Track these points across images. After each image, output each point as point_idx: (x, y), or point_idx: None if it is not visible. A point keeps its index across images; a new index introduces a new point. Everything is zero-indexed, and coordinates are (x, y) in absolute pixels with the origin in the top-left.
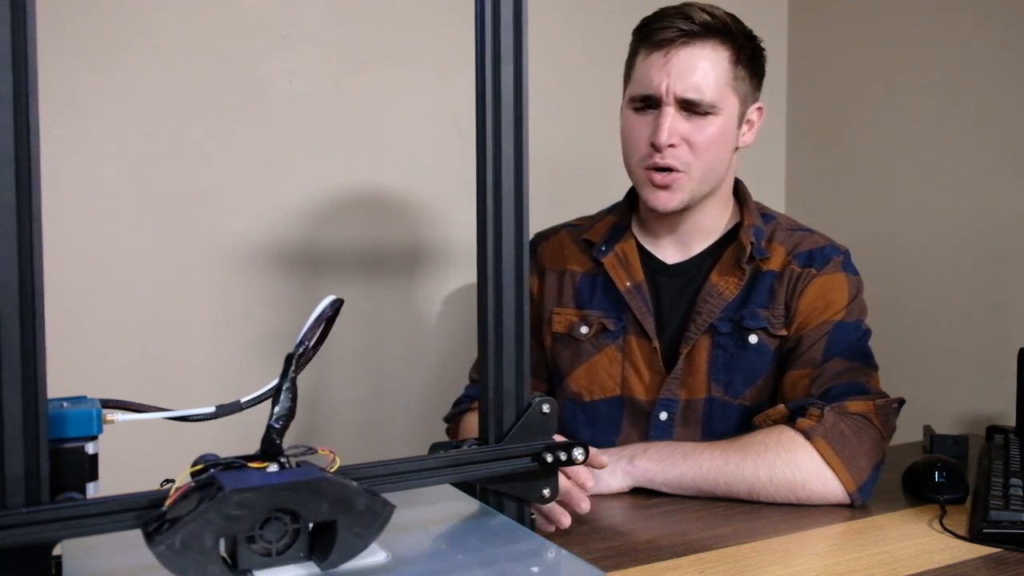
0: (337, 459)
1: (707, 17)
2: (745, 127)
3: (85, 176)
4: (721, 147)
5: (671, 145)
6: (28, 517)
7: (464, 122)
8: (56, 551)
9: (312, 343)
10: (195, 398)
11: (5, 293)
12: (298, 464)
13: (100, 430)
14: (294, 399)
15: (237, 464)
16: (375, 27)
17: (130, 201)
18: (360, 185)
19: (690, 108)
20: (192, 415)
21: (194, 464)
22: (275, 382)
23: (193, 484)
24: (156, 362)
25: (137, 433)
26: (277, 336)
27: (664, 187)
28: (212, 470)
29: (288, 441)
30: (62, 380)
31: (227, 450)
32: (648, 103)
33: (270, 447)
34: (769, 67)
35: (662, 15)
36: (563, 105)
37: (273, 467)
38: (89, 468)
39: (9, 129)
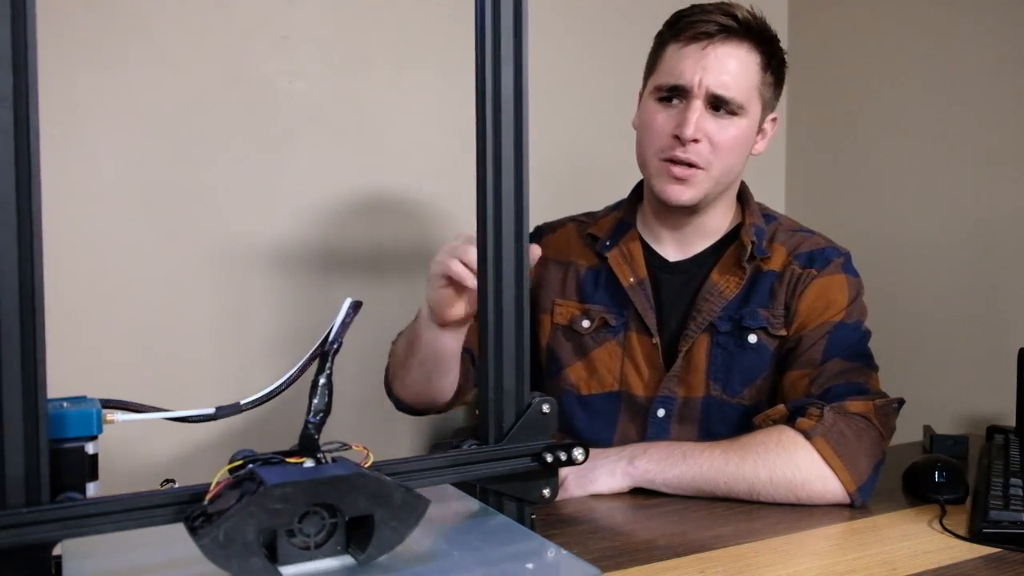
0: (371, 455)
1: (748, 16)
2: (759, 135)
3: (85, 176)
4: (741, 150)
5: (695, 140)
6: (28, 517)
7: (464, 122)
8: (56, 551)
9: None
10: (195, 398)
11: (5, 293)
12: (333, 459)
13: (100, 430)
14: (331, 395)
15: (275, 460)
16: (375, 27)
17: (130, 201)
18: (360, 185)
19: (718, 105)
20: (192, 416)
21: (232, 460)
22: (275, 385)
23: (232, 479)
24: (156, 362)
25: (137, 433)
26: (277, 336)
27: (681, 180)
28: (251, 465)
29: (286, 440)
30: (62, 380)
31: (226, 451)
32: (676, 94)
33: (308, 442)
34: None
35: (700, 9)
36: (563, 105)
37: (309, 462)
38: (89, 468)
39: (9, 129)
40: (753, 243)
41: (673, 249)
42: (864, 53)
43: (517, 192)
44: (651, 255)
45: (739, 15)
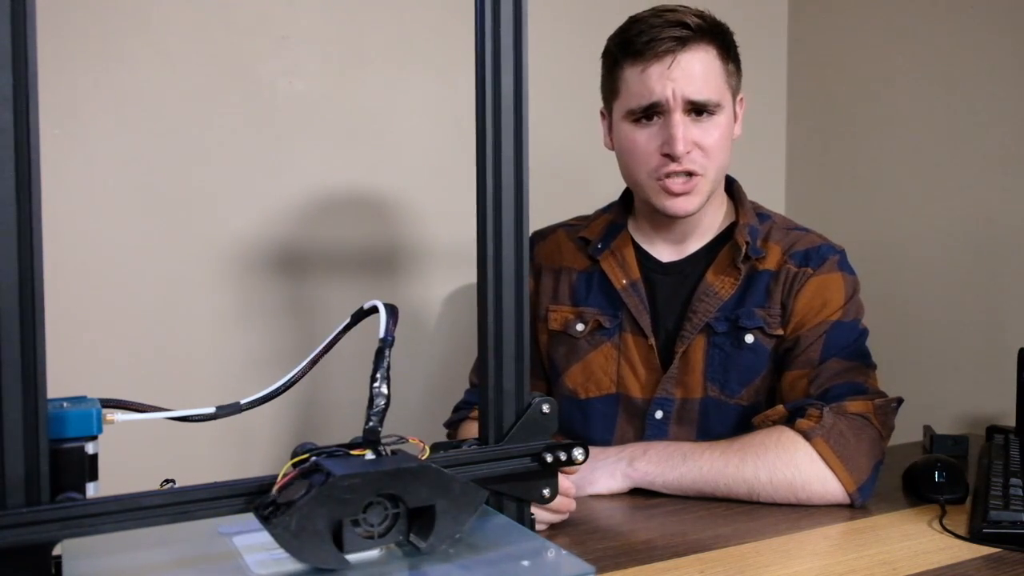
0: (427, 448)
1: (698, 20)
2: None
3: (85, 177)
4: (727, 144)
5: (687, 152)
6: (28, 517)
7: (464, 122)
8: (56, 551)
9: (325, 346)
10: (195, 398)
11: (5, 293)
12: (392, 452)
13: (100, 430)
14: (390, 388)
15: (339, 452)
16: (375, 27)
17: (130, 201)
18: (360, 185)
19: (697, 111)
20: (192, 415)
21: (295, 454)
22: (275, 385)
23: (298, 472)
24: (156, 362)
25: (137, 433)
26: (278, 336)
27: (683, 193)
28: (315, 458)
29: (285, 439)
30: (62, 380)
31: (226, 451)
32: (650, 113)
33: (372, 435)
34: (769, 67)
35: (647, 25)
36: (563, 105)
37: (370, 455)
38: (89, 468)
39: (9, 129)
40: (747, 243)
41: (666, 250)
42: (864, 53)
43: (517, 192)
44: (644, 257)
45: (689, 21)
